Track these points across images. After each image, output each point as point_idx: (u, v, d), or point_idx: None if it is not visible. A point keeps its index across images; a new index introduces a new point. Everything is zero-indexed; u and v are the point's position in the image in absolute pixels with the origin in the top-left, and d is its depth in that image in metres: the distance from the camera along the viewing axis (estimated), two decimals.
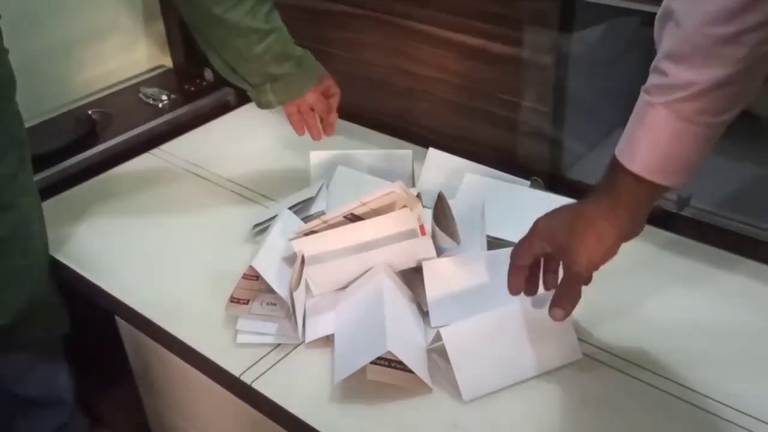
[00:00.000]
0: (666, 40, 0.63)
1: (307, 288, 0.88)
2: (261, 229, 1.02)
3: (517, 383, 0.79)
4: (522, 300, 0.79)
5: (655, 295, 0.90)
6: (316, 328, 0.85)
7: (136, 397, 1.13)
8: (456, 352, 0.77)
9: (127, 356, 1.07)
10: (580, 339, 0.83)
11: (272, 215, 1.01)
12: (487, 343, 0.79)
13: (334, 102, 1.08)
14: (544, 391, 0.78)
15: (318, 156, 1.09)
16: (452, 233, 0.90)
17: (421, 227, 0.87)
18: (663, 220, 1.02)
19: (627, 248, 0.97)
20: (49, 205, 1.08)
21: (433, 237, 0.89)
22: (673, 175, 0.66)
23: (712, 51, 0.60)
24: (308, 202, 1.02)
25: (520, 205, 0.97)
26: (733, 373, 0.79)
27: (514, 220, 0.93)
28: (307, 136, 1.09)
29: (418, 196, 0.90)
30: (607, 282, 0.91)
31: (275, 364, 0.83)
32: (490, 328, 0.79)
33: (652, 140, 0.65)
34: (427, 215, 0.92)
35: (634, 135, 0.67)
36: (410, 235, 0.86)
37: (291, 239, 0.87)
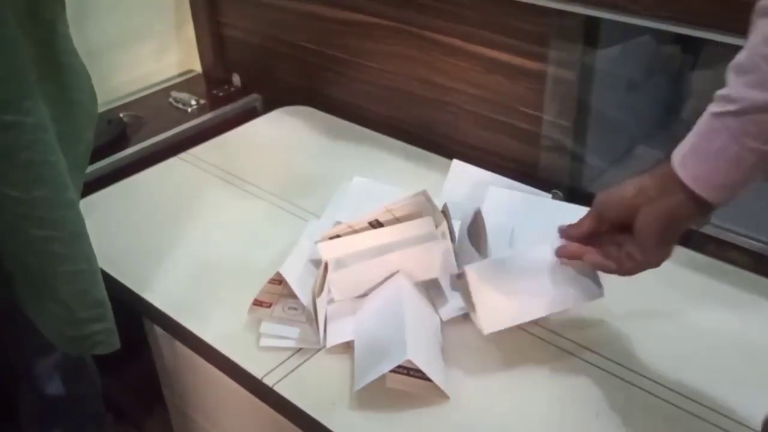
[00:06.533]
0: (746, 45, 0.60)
1: (329, 293, 0.90)
2: None
3: (535, 320, 0.84)
4: (546, 244, 0.82)
5: (671, 311, 0.91)
6: (337, 334, 0.87)
7: (161, 396, 1.15)
8: (478, 290, 0.81)
9: (153, 356, 1.10)
10: (596, 353, 0.84)
11: None
12: (508, 281, 0.82)
13: None
14: (559, 403, 0.80)
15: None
16: (482, 253, 0.92)
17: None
18: (682, 236, 1.02)
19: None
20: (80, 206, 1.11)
21: (462, 250, 0.91)
22: (708, 189, 0.62)
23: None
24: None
25: (547, 218, 0.97)
26: (751, 393, 0.80)
27: (541, 234, 0.94)
28: (329, 144, 1.06)
29: (444, 209, 0.91)
30: (623, 297, 0.93)
31: (297, 367, 0.85)
32: (512, 268, 0.83)
33: (697, 146, 0.63)
34: (455, 225, 0.93)
35: (688, 138, 0.64)
36: (430, 238, 0.88)
37: (317, 242, 0.90)
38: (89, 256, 0.87)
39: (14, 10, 0.76)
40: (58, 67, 0.84)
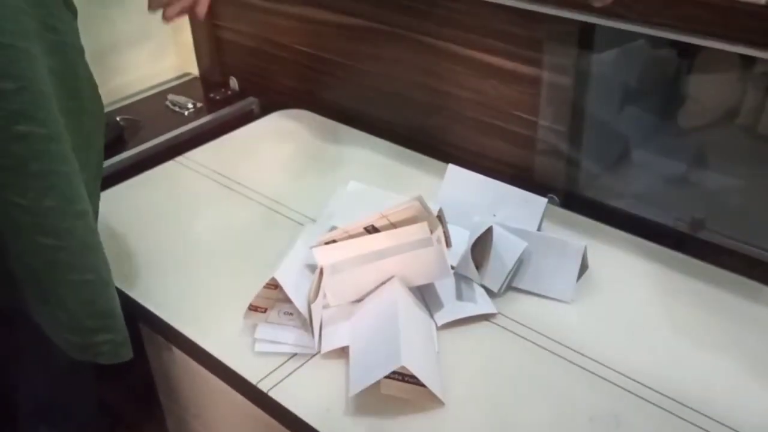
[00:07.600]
0: None
1: (325, 298, 0.90)
2: None
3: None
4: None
5: (665, 317, 0.91)
6: (332, 339, 0.87)
7: (157, 400, 1.15)
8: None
9: (149, 360, 1.10)
10: (590, 358, 0.84)
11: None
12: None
13: None
14: (553, 408, 0.80)
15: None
16: (482, 272, 0.92)
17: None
18: (676, 241, 1.03)
19: (639, 269, 0.98)
20: None
21: (463, 263, 0.92)
22: None
23: None
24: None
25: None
26: (746, 399, 0.80)
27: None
28: (325, 147, 1.07)
29: (440, 214, 0.91)
30: (617, 301, 0.93)
31: (292, 372, 0.85)
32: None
33: None
34: (451, 229, 0.94)
35: None
36: (425, 244, 0.88)
37: (312, 247, 0.90)
38: (98, 267, 0.86)
39: (28, 22, 0.75)
40: (73, 78, 0.83)
